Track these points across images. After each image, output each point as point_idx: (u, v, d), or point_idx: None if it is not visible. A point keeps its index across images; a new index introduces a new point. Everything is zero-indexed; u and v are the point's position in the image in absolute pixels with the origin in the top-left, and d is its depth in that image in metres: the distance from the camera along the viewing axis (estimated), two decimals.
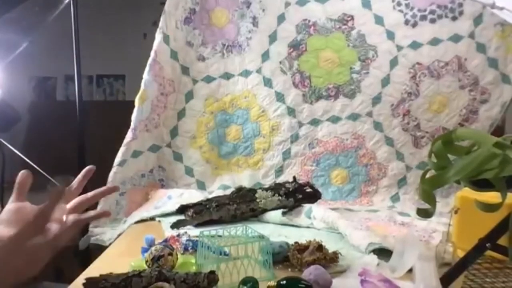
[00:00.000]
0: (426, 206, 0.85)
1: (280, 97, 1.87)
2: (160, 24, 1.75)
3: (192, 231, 1.25)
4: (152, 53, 1.72)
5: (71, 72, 2.02)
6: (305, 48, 1.86)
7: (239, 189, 1.52)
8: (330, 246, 1.09)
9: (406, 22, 1.80)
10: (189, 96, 1.88)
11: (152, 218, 1.49)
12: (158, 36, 1.75)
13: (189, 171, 1.87)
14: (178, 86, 1.86)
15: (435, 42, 1.79)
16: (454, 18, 1.77)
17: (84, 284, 0.85)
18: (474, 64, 1.78)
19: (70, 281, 0.95)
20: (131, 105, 1.67)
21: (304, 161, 1.88)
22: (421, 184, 0.83)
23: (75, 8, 1.93)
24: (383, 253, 1.10)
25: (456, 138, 0.81)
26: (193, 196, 1.61)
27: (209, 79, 1.89)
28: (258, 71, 1.88)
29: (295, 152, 1.88)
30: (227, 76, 1.90)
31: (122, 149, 1.64)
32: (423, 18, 1.79)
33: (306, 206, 1.49)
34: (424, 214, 0.86)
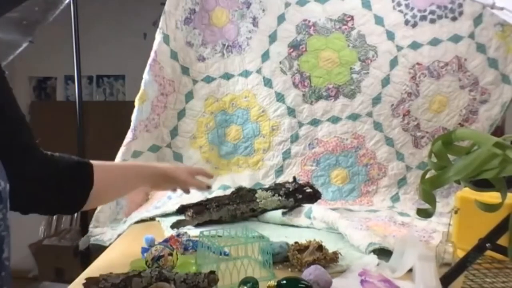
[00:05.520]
0: (426, 206, 0.85)
1: (280, 97, 1.87)
2: (160, 24, 1.75)
3: (192, 231, 1.25)
4: (152, 53, 1.72)
5: (71, 72, 2.02)
6: (305, 48, 1.86)
7: (239, 189, 1.52)
8: (330, 246, 1.09)
9: (406, 22, 1.80)
10: (189, 96, 1.88)
11: (152, 218, 1.49)
12: (158, 36, 1.75)
13: None
14: (178, 86, 1.86)
15: (435, 42, 1.79)
16: (454, 19, 1.78)
17: (84, 284, 0.85)
18: (474, 64, 1.78)
19: (70, 281, 0.95)
20: (131, 105, 1.67)
21: (304, 161, 1.88)
22: (421, 184, 0.83)
23: (75, 8, 1.93)
24: (383, 253, 1.10)
25: (456, 138, 0.81)
26: (193, 196, 1.61)
27: (209, 79, 1.89)
28: (258, 71, 1.88)
29: (295, 152, 1.88)
30: (227, 76, 1.90)
31: (122, 149, 1.63)
32: (423, 18, 1.80)
33: (306, 206, 1.49)
34: (424, 214, 0.86)
